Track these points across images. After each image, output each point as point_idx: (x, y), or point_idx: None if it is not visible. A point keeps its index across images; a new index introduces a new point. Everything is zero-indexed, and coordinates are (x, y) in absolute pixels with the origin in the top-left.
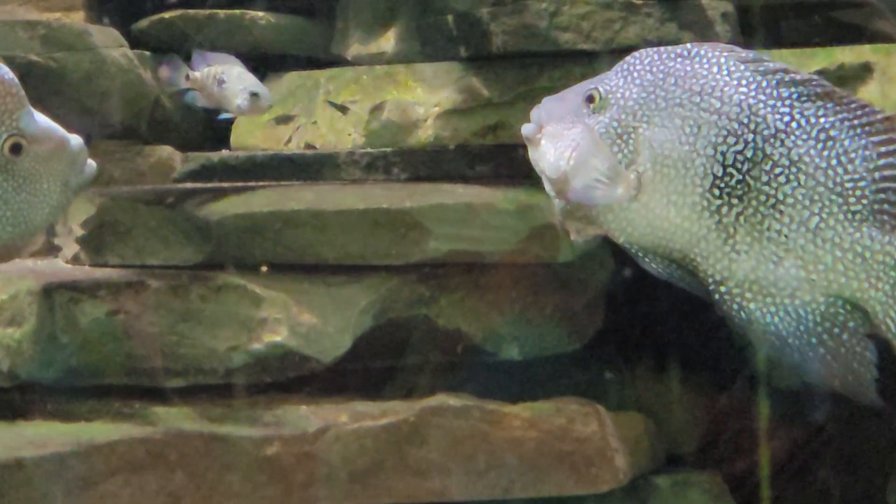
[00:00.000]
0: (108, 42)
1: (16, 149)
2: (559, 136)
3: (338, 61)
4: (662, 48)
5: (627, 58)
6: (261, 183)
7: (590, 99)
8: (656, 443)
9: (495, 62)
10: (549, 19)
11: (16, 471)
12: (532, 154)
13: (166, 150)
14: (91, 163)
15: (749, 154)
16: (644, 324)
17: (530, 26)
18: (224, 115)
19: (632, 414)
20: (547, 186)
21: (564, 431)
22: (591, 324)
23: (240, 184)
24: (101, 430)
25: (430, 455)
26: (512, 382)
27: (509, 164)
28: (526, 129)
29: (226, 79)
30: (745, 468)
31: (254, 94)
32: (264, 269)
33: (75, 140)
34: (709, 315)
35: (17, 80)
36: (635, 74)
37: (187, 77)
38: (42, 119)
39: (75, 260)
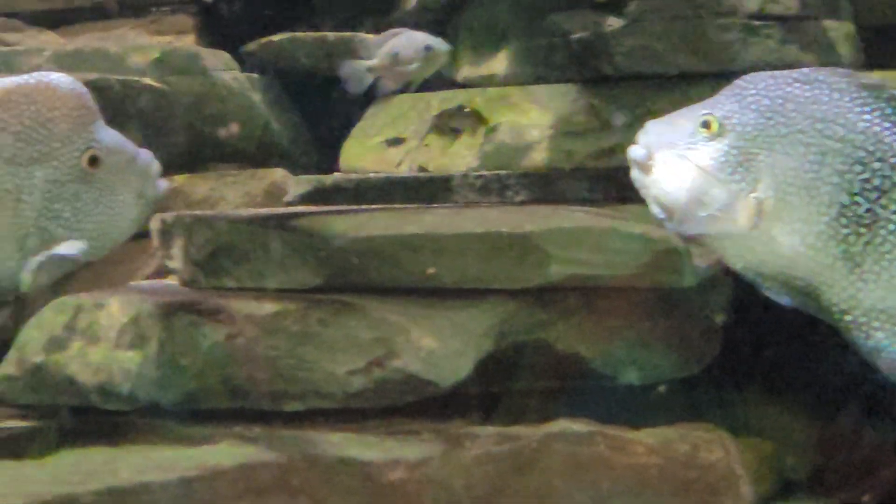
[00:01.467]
0: (219, 65)
1: (94, 161)
2: (674, 164)
3: (447, 84)
4: (776, 72)
5: (738, 81)
6: (375, 206)
7: (706, 125)
8: (776, 469)
9: (611, 84)
10: (667, 40)
11: (142, 494)
12: (640, 179)
13: (279, 173)
14: (163, 180)
15: (877, 182)
16: (756, 346)
17: (648, 48)
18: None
19: (754, 440)
20: (656, 210)
21: (689, 458)
22: (709, 349)
23: (355, 206)
24: (226, 455)
25: (552, 481)
26: (626, 407)
27: (626, 188)
28: (636, 153)
29: (398, 49)
30: (860, 495)
31: (427, 48)
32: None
33: (145, 153)
34: (822, 338)
35: (89, 93)
36: (750, 99)
37: (369, 70)
38: (113, 132)
39: (191, 283)
